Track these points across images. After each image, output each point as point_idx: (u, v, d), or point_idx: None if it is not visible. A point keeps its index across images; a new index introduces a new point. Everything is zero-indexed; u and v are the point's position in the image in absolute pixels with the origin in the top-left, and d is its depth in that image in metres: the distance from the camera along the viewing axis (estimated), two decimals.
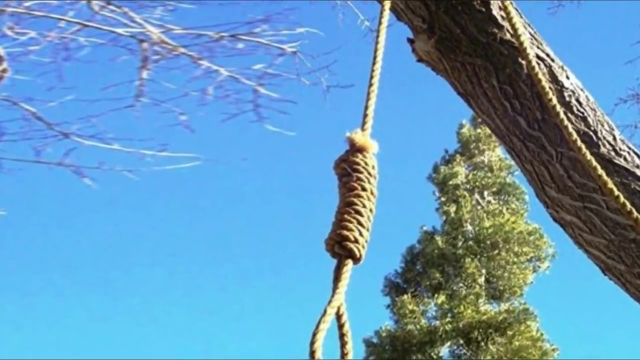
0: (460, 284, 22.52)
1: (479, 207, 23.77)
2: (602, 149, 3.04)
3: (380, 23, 2.40)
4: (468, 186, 24.15)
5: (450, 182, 24.13)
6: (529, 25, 3.16)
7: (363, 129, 2.13)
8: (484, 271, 22.59)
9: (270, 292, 32.70)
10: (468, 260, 22.46)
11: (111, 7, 5.74)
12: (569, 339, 32.14)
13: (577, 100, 3.08)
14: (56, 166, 6.03)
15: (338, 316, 1.89)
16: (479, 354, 21.20)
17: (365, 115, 2.17)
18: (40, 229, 35.04)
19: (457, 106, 3.25)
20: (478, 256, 22.70)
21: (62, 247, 35.38)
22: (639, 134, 8.67)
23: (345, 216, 1.98)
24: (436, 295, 22.28)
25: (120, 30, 5.76)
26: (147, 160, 6.11)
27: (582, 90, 3.13)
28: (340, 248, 1.94)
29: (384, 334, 22.22)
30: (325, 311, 1.84)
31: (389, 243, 24.71)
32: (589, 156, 2.69)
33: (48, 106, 6.01)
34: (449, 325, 21.58)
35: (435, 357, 21.65)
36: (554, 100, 2.81)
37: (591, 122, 3.06)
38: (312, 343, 1.78)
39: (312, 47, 6.06)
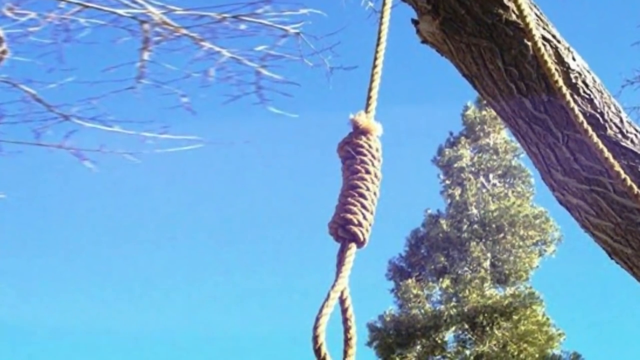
0: (465, 268, 22.54)
1: (484, 190, 23.75)
2: (609, 132, 3.01)
3: (384, 4, 2.38)
4: (473, 169, 24.13)
5: (455, 165, 24.11)
6: (535, 6, 3.13)
7: (367, 111, 2.11)
8: (489, 255, 22.60)
9: (273, 276, 32.75)
10: (473, 244, 22.47)
11: None
12: (575, 324, 32.16)
13: (584, 82, 3.05)
14: (56, 149, 6.01)
15: (341, 300, 1.88)
16: (484, 339, 21.23)
17: (369, 97, 2.15)
18: (40, 212, 35.09)
19: (462, 88, 3.22)
20: (483, 240, 22.70)
21: (62, 231, 35.46)
22: None
23: (349, 199, 1.97)
24: (441, 280, 22.29)
25: (121, 11, 5.72)
26: (149, 143, 6.10)
27: (588, 72, 3.10)
28: (343, 232, 1.93)
29: (388, 319, 22.25)
30: (328, 295, 1.83)
31: (393, 226, 24.72)
32: (595, 139, 2.67)
33: (48, 88, 6.00)
34: (454, 310, 21.60)
35: (439, 341, 21.68)
36: (560, 82, 2.78)
37: (598, 104, 3.04)
38: (315, 328, 1.77)
39: (315, 28, 6.03)
